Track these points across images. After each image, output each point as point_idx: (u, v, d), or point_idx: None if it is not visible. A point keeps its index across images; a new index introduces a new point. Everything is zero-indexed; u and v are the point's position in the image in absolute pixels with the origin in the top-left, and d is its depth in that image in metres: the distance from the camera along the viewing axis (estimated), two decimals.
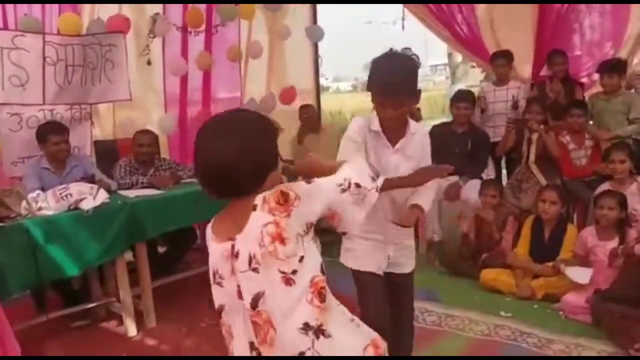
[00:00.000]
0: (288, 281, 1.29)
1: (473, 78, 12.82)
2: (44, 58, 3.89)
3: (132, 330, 3.48)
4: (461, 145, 4.79)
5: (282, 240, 1.27)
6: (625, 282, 3.23)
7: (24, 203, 3.22)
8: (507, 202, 4.54)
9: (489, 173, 5.00)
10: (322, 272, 1.34)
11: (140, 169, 4.10)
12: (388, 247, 2.29)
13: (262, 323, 1.31)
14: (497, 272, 3.91)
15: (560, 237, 3.88)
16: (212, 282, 1.39)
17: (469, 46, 5.82)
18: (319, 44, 6.40)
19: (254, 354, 1.34)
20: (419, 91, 2.12)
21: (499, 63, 5.11)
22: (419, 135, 2.24)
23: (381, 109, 2.12)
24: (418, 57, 2.11)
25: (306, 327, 1.29)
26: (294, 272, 1.29)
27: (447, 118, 5.29)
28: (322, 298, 1.31)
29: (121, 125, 4.78)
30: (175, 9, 5.04)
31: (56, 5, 4.26)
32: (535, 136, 4.58)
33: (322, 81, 6.87)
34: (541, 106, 4.64)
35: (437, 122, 5.41)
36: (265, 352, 1.32)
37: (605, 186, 3.99)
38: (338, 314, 1.37)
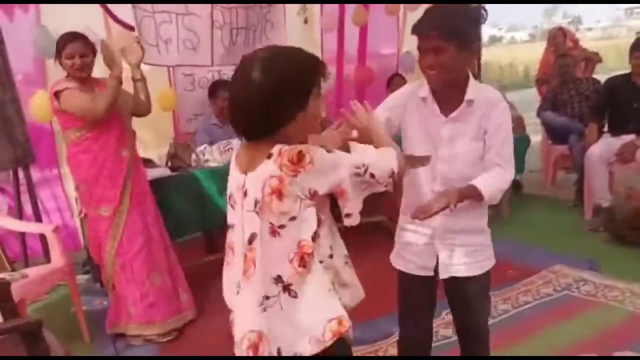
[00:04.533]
0: (274, 232, 1.36)
1: None
2: (212, 22, 4.23)
3: None
4: None
5: (280, 196, 1.33)
6: None
7: (193, 156, 3.62)
8: None
9: None
10: (313, 239, 1.37)
11: None
12: (437, 245, 1.86)
13: (249, 258, 1.41)
14: None
15: None
16: (227, 201, 1.49)
17: None
18: None
19: (242, 277, 1.44)
20: (477, 44, 1.74)
21: None
22: (484, 102, 1.77)
23: (422, 59, 1.74)
24: (486, 11, 1.76)
25: (278, 279, 1.37)
26: (282, 226, 1.35)
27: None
28: (302, 263, 1.36)
29: None
30: None
31: None
32: None
33: (494, 31, 6.39)
34: None
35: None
36: (243, 284, 1.43)
37: None
38: (317, 280, 1.39)
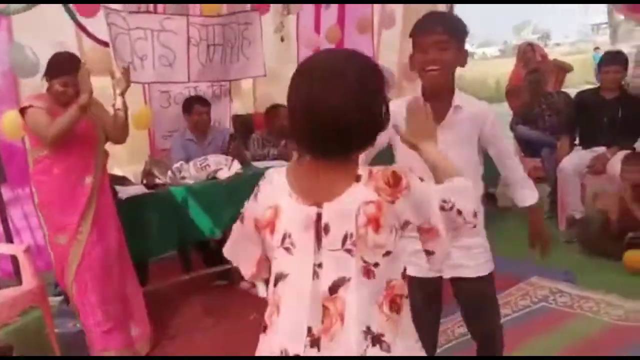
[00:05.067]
0: (368, 273, 1.15)
1: (638, 37, 11.47)
2: (189, 39, 4.22)
3: (262, 291, 3.73)
4: (611, 113, 4.40)
5: (377, 227, 1.12)
6: None
7: (169, 173, 3.59)
8: None
9: None
10: (403, 277, 1.20)
11: (272, 141, 4.32)
12: None
13: (333, 311, 1.14)
14: None
15: None
16: (277, 244, 1.21)
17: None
18: (460, 7, 6.13)
19: (308, 340, 1.15)
20: (466, 52, 1.89)
21: None
22: (472, 112, 1.87)
23: (421, 57, 1.81)
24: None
25: (367, 331, 1.14)
26: (376, 264, 1.15)
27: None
28: (395, 307, 1.17)
29: (261, 100, 5.04)
30: None
31: None
32: None
33: (467, 47, 6.46)
34: None
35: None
36: (324, 343, 1.15)
37: None
38: (407, 327, 1.22)
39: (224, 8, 4.50)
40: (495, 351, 2.06)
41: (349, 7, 5.39)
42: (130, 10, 3.97)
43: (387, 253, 1.16)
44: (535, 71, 5.51)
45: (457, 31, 1.82)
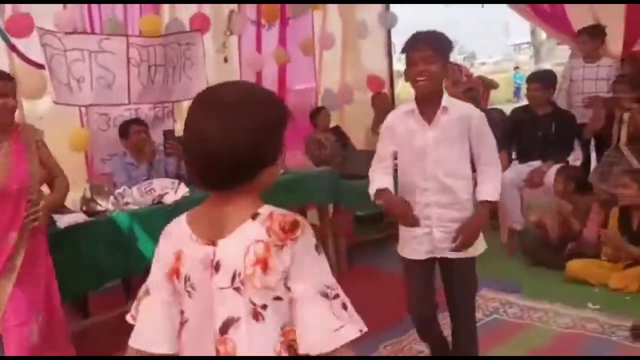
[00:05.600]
0: (256, 315, 1.10)
1: (559, 55, 12.17)
2: (128, 60, 4.10)
3: None
4: (544, 128, 4.59)
5: (265, 268, 1.08)
6: None
7: (111, 198, 3.42)
8: (596, 188, 4.29)
9: (577, 157, 4.75)
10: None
11: None
12: (433, 232, 2.22)
13: (224, 353, 1.11)
14: (585, 263, 3.70)
15: None
16: (181, 289, 1.17)
17: (556, 23, 5.52)
18: (393, 30, 6.30)
19: None
20: (450, 64, 2.25)
21: (584, 39, 4.81)
22: (459, 114, 2.18)
23: (412, 69, 2.10)
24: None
25: None
26: (264, 306, 1.10)
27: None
28: (292, 351, 1.12)
29: None
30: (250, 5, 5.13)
31: (137, 7, 4.44)
32: (627, 116, 4.28)
33: (399, 66, 6.77)
34: (631, 83, 4.33)
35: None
36: None
37: None
38: None
39: (164, 28, 4.41)
40: (466, 322, 2.34)
41: (290, 28, 5.42)
42: (66, 32, 3.82)
43: (277, 298, 1.11)
44: (471, 89, 5.71)
45: (442, 47, 2.12)
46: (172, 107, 4.52)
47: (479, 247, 2.29)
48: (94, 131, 4.12)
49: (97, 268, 3.22)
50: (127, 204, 3.42)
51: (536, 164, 4.53)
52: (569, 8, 5.31)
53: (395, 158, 2.33)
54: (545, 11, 5.45)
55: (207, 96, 1.17)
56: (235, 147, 1.09)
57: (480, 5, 6.53)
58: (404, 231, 2.31)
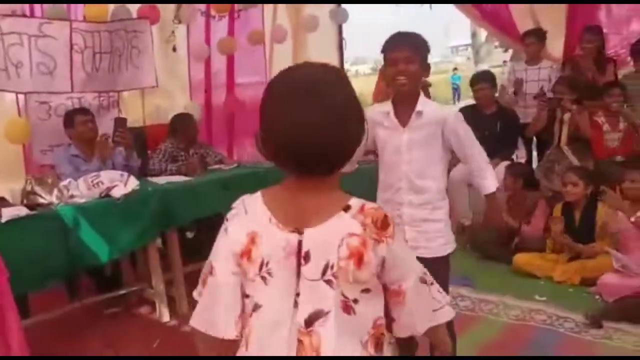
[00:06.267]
0: (347, 309, 1.08)
1: (496, 58, 12.63)
2: (72, 45, 3.88)
3: (166, 316, 3.50)
4: (490, 127, 4.72)
5: (360, 262, 1.06)
6: None
7: (55, 191, 3.23)
8: (540, 185, 4.46)
9: (520, 155, 4.92)
10: (385, 314, 1.15)
11: (182, 153, 4.12)
12: (406, 229, 2.21)
13: (308, 347, 1.08)
14: (530, 256, 3.84)
15: (591, 219, 3.78)
16: (252, 274, 1.12)
17: (500, 25, 5.68)
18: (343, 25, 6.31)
19: None
20: (429, 64, 2.20)
21: (530, 41, 4.98)
22: (433, 118, 2.16)
23: (392, 69, 2.11)
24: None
25: None
26: (356, 301, 1.09)
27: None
28: (379, 346, 1.12)
29: (150, 112, 4.77)
30: None
31: None
32: (567, 116, 4.47)
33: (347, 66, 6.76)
34: (571, 85, 4.52)
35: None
36: None
37: None
38: None
39: (110, 14, 4.21)
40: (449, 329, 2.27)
41: (240, 20, 5.32)
42: (4, 14, 3.57)
43: (366, 290, 1.10)
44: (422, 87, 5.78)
45: (420, 48, 2.13)
46: (117, 96, 4.34)
47: (449, 246, 2.32)
48: (33, 120, 3.88)
49: (41, 265, 3.03)
50: (72, 197, 3.25)
51: None
52: (512, 11, 5.48)
53: (376, 155, 2.34)
54: (491, 13, 5.60)
55: (298, 85, 1.09)
56: (347, 136, 1.09)
57: (428, 6, 6.62)
58: None
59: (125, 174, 3.40)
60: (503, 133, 4.70)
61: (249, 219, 1.15)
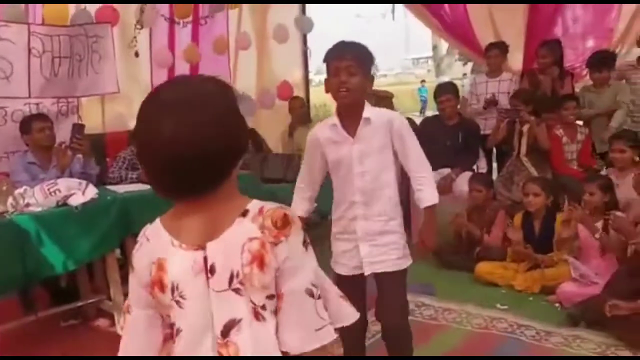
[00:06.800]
0: (257, 315, 1.07)
1: (456, 71, 12.89)
2: (29, 49, 3.77)
3: None
4: (452, 138, 4.79)
5: (262, 265, 1.04)
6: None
7: (10, 199, 3.11)
8: (499, 195, 4.55)
9: (481, 165, 5.01)
10: None
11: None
12: (360, 245, 2.21)
13: (225, 357, 1.07)
14: (492, 265, 3.90)
15: (551, 229, 3.86)
16: (168, 299, 1.10)
17: (460, 37, 5.80)
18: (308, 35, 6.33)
19: None
20: (372, 75, 2.19)
21: (493, 54, 5.09)
22: (381, 122, 2.14)
23: (334, 80, 2.06)
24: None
25: None
26: (264, 307, 1.07)
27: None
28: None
29: (110, 119, 4.67)
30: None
31: None
32: (526, 128, 4.58)
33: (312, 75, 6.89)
34: (525, 99, 4.63)
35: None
36: None
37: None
38: None
39: (70, 17, 4.11)
40: (402, 350, 2.31)
41: (205, 27, 5.28)
42: None
43: (271, 296, 1.08)
44: (384, 98, 5.84)
45: (364, 59, 2.09)
46: (77, 102, 4.23)
47: (404, 261, 2.28)
48: None
49: None
50: (28, 205, 3.13)
51: (445, 171, 4.72)
52: (473, 23, 5.61)
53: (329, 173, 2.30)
54: (451, 24, 5.71)
55: (168, 96, 1.06)
56: (208, 142, 1.02)
57: (390, 17, 6.71)
58: (334, 246, 2.31)
59: (84, 182, 3.31)
60: (465, 144, 4.78)
61: (152, 247, 1.13)
